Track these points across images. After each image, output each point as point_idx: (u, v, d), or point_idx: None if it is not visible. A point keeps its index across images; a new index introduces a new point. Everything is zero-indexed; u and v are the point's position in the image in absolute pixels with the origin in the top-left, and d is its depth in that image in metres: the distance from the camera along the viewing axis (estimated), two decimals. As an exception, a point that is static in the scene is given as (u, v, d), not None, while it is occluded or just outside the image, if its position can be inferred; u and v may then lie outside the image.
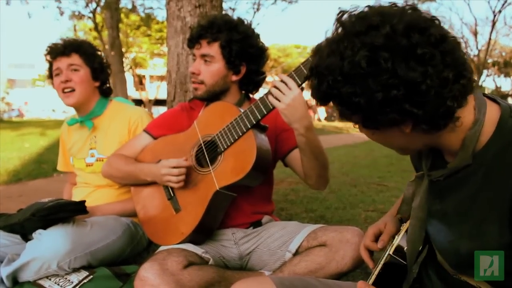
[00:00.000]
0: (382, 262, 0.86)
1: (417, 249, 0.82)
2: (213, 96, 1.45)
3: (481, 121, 0.68)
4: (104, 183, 1.69)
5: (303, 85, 1.23)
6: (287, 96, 1.18)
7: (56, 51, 1.70)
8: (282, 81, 1.21)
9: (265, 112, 1.26)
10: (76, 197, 1.75)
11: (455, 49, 0.65)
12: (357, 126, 0.74)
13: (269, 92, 1.23)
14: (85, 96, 1.72)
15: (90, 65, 1.73)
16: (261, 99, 1.27)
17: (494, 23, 20.21)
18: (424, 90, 0.62)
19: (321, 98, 0.71)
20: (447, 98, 0.63)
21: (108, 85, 1.83)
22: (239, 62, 1.42)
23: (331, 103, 0.72)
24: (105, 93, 1.82)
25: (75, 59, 1.70)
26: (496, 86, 29.69)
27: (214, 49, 1.40)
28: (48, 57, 1.73)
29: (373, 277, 0.85)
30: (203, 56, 1.42)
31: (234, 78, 1.44)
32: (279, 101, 1.19)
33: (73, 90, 1.69)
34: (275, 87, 1.21)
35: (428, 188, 0.78)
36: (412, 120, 0.65)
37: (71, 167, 1.88)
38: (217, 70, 1.41)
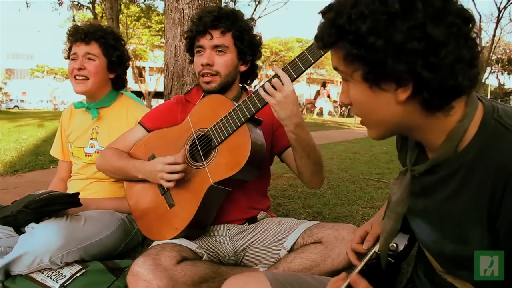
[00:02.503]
0: (366, 259, 0.85)
1: (390, 240, 0.81)
2: (225, 88, 1.43)
3: (472, 116, 0.67)
4: (100, 176, 1.67)
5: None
6: (279, 92, 1.18)
7: (76, 36, 1.67)
8: (276, 75, 1.20)
9: (260, 106, 1.24)
10: (71, 190, 1.73)
11: (476, 44, 0.64)
12: (350, 77, 0.69)
13: (263, 86, 1.22)
14: (97, 86, 1.69)
15: (108, 57, 1.69)
16: (256, 92, 1.25)
17: (498, 19, 20.13)
18: (443, 55, 0.60)
19: (331, 34, 0.66)
20: (458, 74, 0.62)
21: (122, 78, 1.79)
22: (249, 53, 1.43)
23: (334, 49, 0.68)
24: (118, 85, 1.79)
25: (94, 48, 1.67)
26: (500, 84, 29.67)
27: (227, 39, 1.39)
28: (69, 39, 1.70)
29: (355, 272, 0.83)
30: (216, 46, 1.39)
31: (242, 68, 1.45)
32: (271, 96, 1.19)
33: (86, 79, 1.66)
34: (269, 81, 1.20)
35: (410, 184, 0.77)
36: (416, 84, 0.63)
37: (65, 156, 1.86)
38: (231, 60, 1.41)
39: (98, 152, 1.69)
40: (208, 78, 1.41)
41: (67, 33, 1.71)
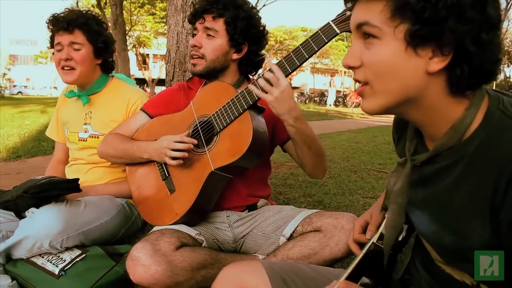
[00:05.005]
0: (364, 251, 0.85)
1: (394, 235, 0.80)
2: (212, 73, 1.42)
3: (478, 105, 0.65)
4: (99, 160, 1.65)
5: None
6: (275, 88, 1.17)
7: (58, 25, 1.61)
8: (270, 70, 1.19)
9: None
10: (72, 175, 1.72)
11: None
12: (392, 33, 0.62)
13: (257, 82, 1.22)
14: (85, 75, 1.66)
15: (94, 43, 1.64)
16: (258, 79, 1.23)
17: (506, 11, 19.80)
18: (492, 35, 0.61)
19: None
20: (498, 61, 0.63)
21: (110, 61, 1.76)
22: (242, 41, 1.39)
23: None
24: (107, 69, 1.76)
25: (78, 36, 1.61)
26: (506, 76, 29.34)
27: (218, 25, 1.37)
28: (51, 28, 1.65)
29: (353, 264, 0.82)
30: (206, 29, 1.38)
31: (235, 56, 1.42)
32: (267, 93, 1.18)
33: (73, 69, 1.63)
34: (263, 77, 1.19)
35: (410, 174, 0.75)
36: (456, 57, 0.61)
37: (60, 137, 1.87)
38: (220, 45, 1.38)
39: (92, 137, 1.69)
40: (194, 60, 1.41)
41: (47, 22, 1.66)
